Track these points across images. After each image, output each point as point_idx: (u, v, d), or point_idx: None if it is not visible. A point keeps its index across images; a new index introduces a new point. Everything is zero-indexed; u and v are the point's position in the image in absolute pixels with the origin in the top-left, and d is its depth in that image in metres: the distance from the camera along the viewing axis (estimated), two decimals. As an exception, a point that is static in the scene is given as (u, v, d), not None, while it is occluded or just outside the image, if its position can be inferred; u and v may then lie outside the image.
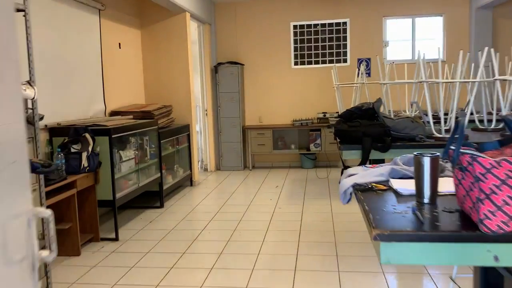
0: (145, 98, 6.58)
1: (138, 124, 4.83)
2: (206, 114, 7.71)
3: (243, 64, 7.90)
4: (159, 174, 5.33)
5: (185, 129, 6.40)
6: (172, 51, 6.45)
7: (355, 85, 5.55)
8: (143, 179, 4.96)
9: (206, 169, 7.87)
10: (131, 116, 5.32)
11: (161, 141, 5.45)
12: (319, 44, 7.82)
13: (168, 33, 6.44)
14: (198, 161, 7.91)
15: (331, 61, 7.79)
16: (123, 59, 5.86)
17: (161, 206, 5.39)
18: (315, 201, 5.47)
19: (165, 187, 5.53)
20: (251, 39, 7.91)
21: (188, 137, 6.53)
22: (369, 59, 7.68)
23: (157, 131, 5.35)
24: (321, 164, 7.90)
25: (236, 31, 7.92)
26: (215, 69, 7.63)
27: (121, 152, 4.52)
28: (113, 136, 4.16)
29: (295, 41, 7.86)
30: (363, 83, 5.28)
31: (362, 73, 5.40)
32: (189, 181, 6.60)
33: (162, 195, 5.42)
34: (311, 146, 7.62)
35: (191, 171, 6.57)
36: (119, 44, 5.76)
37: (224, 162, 7.82)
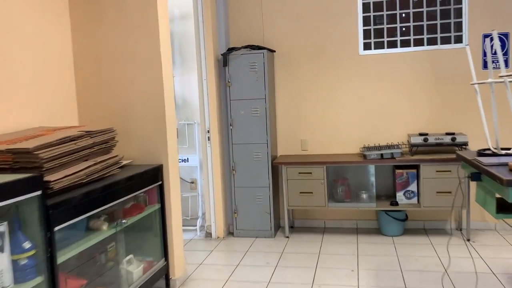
0: (78, 113, 3.32)
1: None
2: (209, 138, 4.38)
3: (273, 50, 4.56)
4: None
5: (150, 177, 3.08)
6: (129, 28, 3.18)
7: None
8: None
9: (209, 235, 4.52)
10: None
11: (82, 219, 2.15)
12: (409, 11, 4.36)
13: (119, -17, 3.19)
14: (198, 222, 4.64)
15: (431, 41, 4.31)
16: (23, 39, 2.65)
17: None
18: None
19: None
20: (287, 9, 4.56)
21: (160, 191, 3.21)
22: (506, 34, 4.15)
23: (43, 202, 2.05)
24: (415, 227, 4.42)
25: (261, -6, 4.60)
26: (224, 60, 4.30)
27: None
28: None
29: (366, 7, 4.43)
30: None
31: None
32: (162, 280, 3.26)
33: None
34: (400, 196, 4.15)
35: (166, 260, 3.23)
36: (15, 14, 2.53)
37: (240, 222, 4.46)
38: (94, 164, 2.53)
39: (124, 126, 3.26)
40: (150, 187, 3.08)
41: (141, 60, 3.18)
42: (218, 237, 4.47)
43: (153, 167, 3.09)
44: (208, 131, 4.36)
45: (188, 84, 4.75)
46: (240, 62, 4.28)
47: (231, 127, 4.37)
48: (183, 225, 4.24)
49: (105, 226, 2.56)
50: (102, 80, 3.27)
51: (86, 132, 2.58)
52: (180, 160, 4.72)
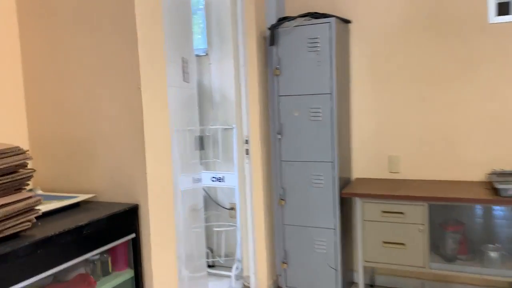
0: (27, 127, 2.13)
1: None
2: (247, 152, 2.99)
3: (348, 21, 3.02)
4: None
5: (116, 226, 1.78)
6: (92, 28, 1.91)
7: None
8: None
9: (246, 291, 3.15)
10: None
11: None
12: None
13: None
14: (235, 268, 3.35)
15: None
16: None
17: None
18: None
19: None
20: (370, -45, 3.00)
21: (134, 248, 1.90)
22: None
23: None
24: None
25: None
26: (272, 36, 2.87)
27: None
28: None
29: None
30: None
31: None
32: None
33: None
34: (562, 262, 2.41)
35: None
36: None
37: (292, 276, 3.01)
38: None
39: (85, 143, 2.01)
40: (115, 243, 1.78)
41: (110, 54, 1.89)
42: (258, 296, 3.07)
43: (120, 210, 1.80)
44: (247, 141, 2.97)
45: (228, 73, 3.41)
46: (295, 39, 2.82)
47: (279, 136, 2.93)
48: (213, 266, 2.99)
49: None
50: (60, 82, 2.04)
51: None
52: (213, 179, 3.40)
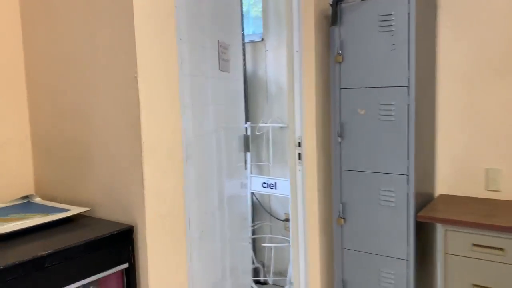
0: (29, 127, 1.82)
1: None
2: (300, 157, 2.46)
3: (437, -7, 2.34)
4: None
5: (104, 254, 1.38)
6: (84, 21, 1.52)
7: None
8: None
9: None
10: None
11: None
12: None
13: None
14: None
15: None
16: None
17: None
18: None
19: None
20: None
21: (127, 280, 1.49)
22: None
23: None
24: None
25: None
26: (334, 13, 2.29)
27: None
28: None
29: None
30: None
31: None
32: None
33: None
34: None
35: None
36: None
37: (351, 310, 2.44)
38: None
39: (81, 145, 1.64)
40: (95, 277, 1.39)
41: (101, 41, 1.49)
42: (309, 331, 2.54)
43: (105, 234, 1.39)
44: (299, 144, 2.44)
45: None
46: (363, 16, 2.22)
47: (339, 139, 2.36)
48: (265, 284, 2.60)
49: None
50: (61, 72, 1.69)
51: None
52: (264, 185, 2.92)
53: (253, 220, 3.07)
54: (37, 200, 1.75)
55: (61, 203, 1.74)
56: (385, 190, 2.24)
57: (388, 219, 2.25)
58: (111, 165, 1.53)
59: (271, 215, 3.05)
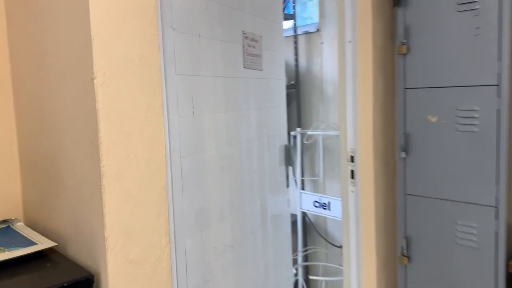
0: (17, 140, 1.57)
1: None
2: (353, 174, 1.95)
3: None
4: None
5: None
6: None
7: None
8: None
9: None
10: None
11: None
12: None
13: None
14: None
15: None
16: None
17: None
18: None
19: None
20: None
21: None
22: None
23: None
24: None
25: None
26: (399, -9, 1.76)
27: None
28: None
29: None
30: None
31: None
32: None
33: None
34: None
35: None
36: None
37: None
38: None
39: (50, 161, 1.34)
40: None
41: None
42: None
43: (58, 284, 1.07)
44: (352, 158, 1.94)
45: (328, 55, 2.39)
46: (437, -8, 1.67)
47: (404, 155, 1.81)
48: None
49: None
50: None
51: None
52: (316, 204, 2.45)
53: (304, 245, 2.61)
54: (18, 225, 1.49)
55: (42, 229, 1.46)
56: (464, 226, 1.66)
57: (467, 264, 1.67)
58: (78, 192, 1.21)
59: (326, 240, 2.57)
